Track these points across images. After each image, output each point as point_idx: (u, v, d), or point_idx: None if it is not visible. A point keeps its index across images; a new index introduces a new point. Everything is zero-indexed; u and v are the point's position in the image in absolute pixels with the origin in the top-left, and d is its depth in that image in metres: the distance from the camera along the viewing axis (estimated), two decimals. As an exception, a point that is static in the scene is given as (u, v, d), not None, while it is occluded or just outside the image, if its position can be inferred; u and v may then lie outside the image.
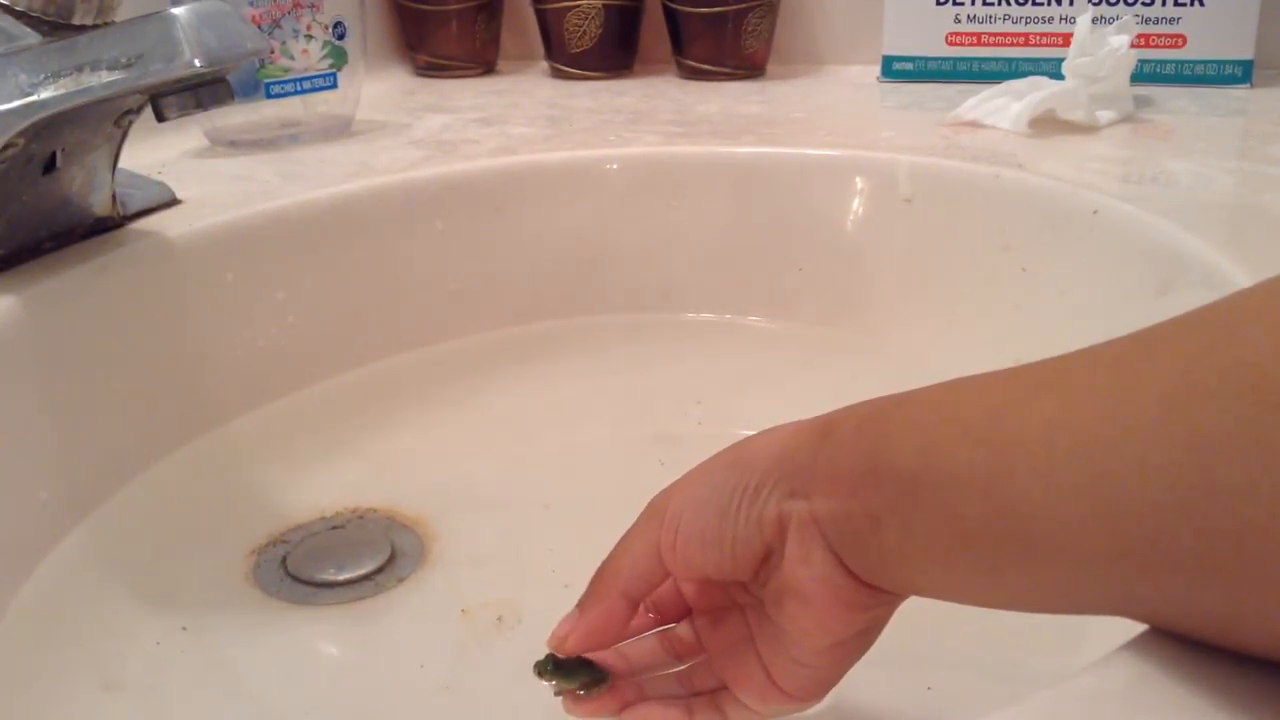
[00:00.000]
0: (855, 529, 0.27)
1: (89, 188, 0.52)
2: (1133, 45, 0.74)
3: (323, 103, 0.77)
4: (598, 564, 0.34)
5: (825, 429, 0.29)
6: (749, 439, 0.31)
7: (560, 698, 0.33)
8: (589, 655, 0.33)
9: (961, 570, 0.25)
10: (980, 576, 0.25)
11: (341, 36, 0.76)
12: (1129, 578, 0.21)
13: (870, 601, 0.28)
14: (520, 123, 0.80)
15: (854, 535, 0.27)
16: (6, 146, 0.45)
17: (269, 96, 0.74)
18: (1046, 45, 0.88)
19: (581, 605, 0.33)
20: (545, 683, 0.33)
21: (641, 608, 0.34)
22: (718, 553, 0.30)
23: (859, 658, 0.31)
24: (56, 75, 0.43)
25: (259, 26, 0.72)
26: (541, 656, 0.33)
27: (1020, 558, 0.23)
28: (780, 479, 0.29)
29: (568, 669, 0.33)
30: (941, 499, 0.25)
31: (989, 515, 0.24)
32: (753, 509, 0.29)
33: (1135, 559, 0.21)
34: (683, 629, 0.35)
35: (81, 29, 0.45)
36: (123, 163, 0.54)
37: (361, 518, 0.50)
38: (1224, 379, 0.20)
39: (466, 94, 0.96)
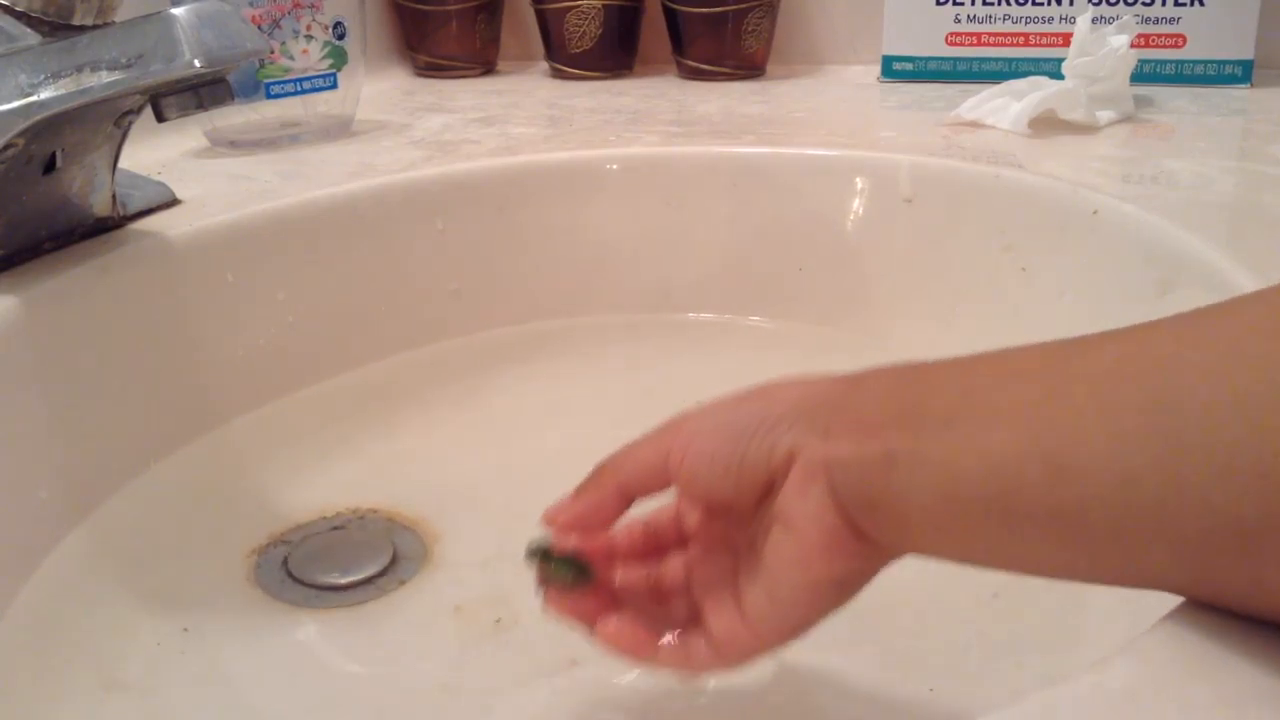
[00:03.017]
0: (864, 469, 0.27)
1: (89, 188, 0.52)
2: (1133, 45, 0.74)
3: (323, 103, 0.77)
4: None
5: (856, 379, 0.29)
6: (778, 380, 0.31)
7: (542, 591, 0.34)
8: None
9: (968, 510, 0.25)
10: (988, 521, 0.24)
11: (341, 36, 0.76)
12: (1169, 507, 0.21)
13: (855, 548, 0.28)
14: (520, 123, 0.80)
15: (860, 475, 0.27)
16: (7, 146, 0.45)
17: (269, 96, 0.74)
18: (1046, 45, 0.88)
19: (577, 491, 0.33)
20: (533, 568, 0.34)
21: (642, 531, 0.35)
22: (723, 470, 0.30)
23: (829, 612, 0.30)
24: (56, 75, 0.43)
25: (259, 26, 0.72)
26: (536, 542, 0.34)
27: (1044, 491, 0.23)
28: (801, 415, 0.29)
29: (559, 558, 0.34)
30: (971, 432, 0.25)
31: (1023, 444, 0.23)
32: (768, 438, 0.29)
33: (1194, 479, 0.21)
34: (674, 561, 0.35)
35: (81, 29, 0.45)
36: (123, 163, 0.54)
37: (362, 518, 0.50)
38: None
39: (466, 94, 0.96)
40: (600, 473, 0.33)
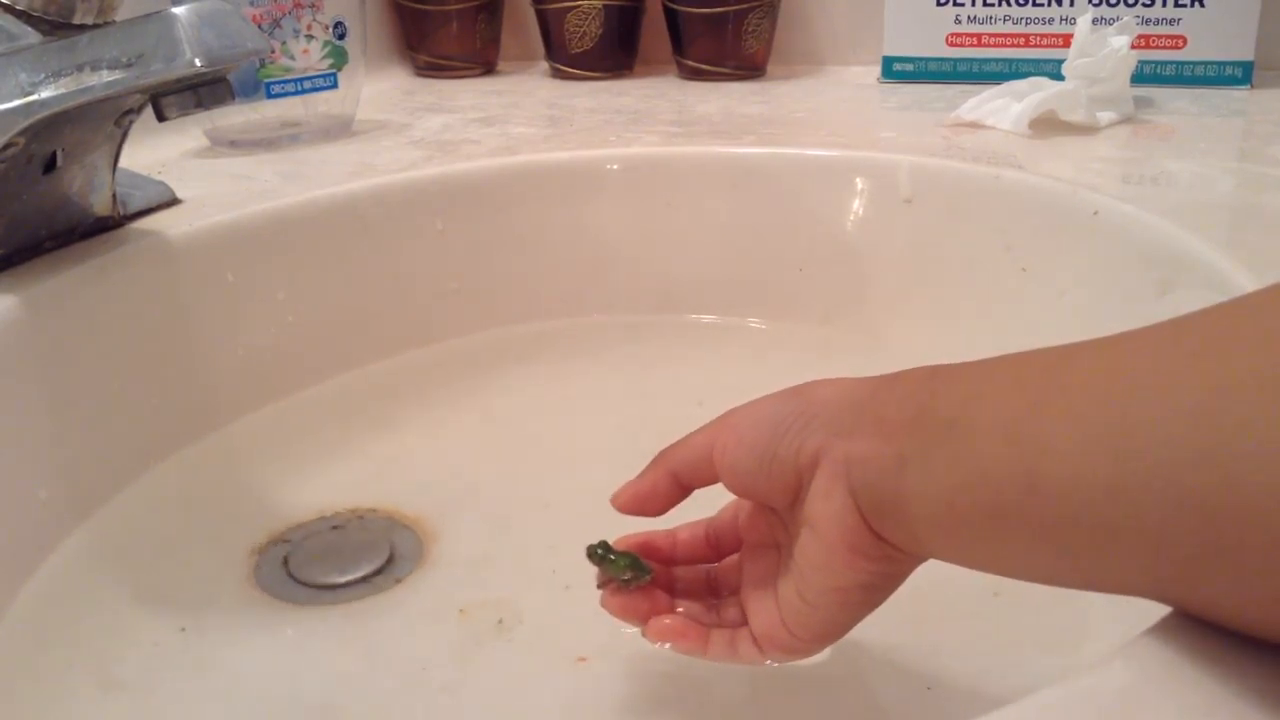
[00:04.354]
0: (880, 470, 0.28)
1: (89, 188, 0.52)
2: (1133, 46, 0.74)
3: (323, 103, 0.77)
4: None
5: (886, 380, 0.30)
6: (818, 380, 0.32)
7: (601, 591, 0.36)
8: (643, 558, 0.36)
9: (967, 519, 0.25)
10: (982, 531, 0.25)
11: (342, 36, 0.76)
12: (1127, 523, 0.22)
13: (877, 552, 0.29)
14: (520, 123, 0.80)
15: (876, 476, 0.28)
16: (7, 146, 0.45)
17: (269, 96, 0.74)
18: (1046, 46, 0.88)
19: (638, 475, 0.35)
20: (594, 567, 0.36)
21: (705, 532, 0.37)
22: (757, 465, 0.31)
23: (862, 614, 0.31)
24: (57, 75, 0.43)
25: (259, 26, 0.72)
26: (597, 543, 0.36)
27: (1023, 506, 0.24)
28: (831, 417, 0.30)
29: (617, 557, 0.35)
30: (966, 443, 0.25)
31: (1008, 460, 0.24)
32: (799, 436, 0.30)
33: (1138, 497, 0.21)
34: (730, 562, 0.37)
35: (82, 29, 0.45)
36: (123, 163, 0.54)
37: (361, 518, 0.50)
38: (1270, 335, 0.20)
39: (466, 94, 0.96)
40: (657, 459, 0.35)
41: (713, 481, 0.34)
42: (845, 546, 0.29)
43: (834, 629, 0.32)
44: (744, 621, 0.34)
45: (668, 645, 0.35)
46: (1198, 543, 0.20)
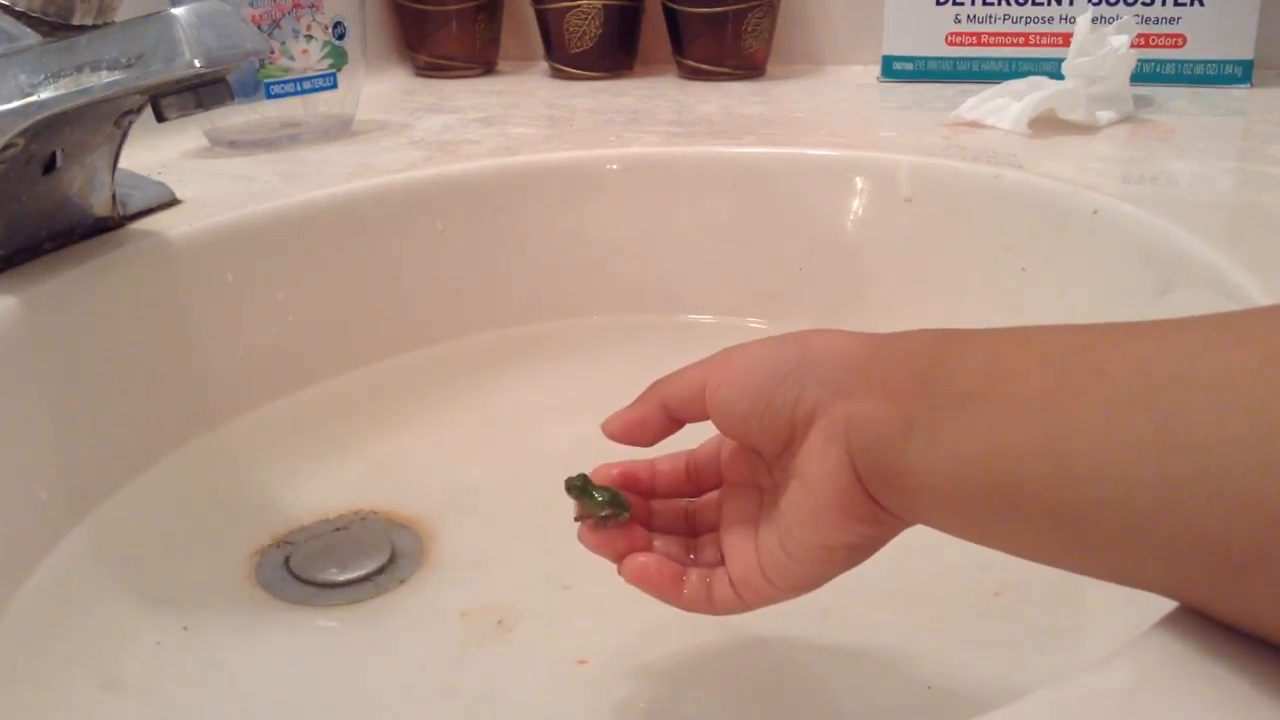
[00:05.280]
0: (883, 433, 0.27)
1: (89, 188, 0.52)
2: (1133, 45, 0.74)
3: (323, 103, 0.77)
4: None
5: (887, 340, 0.29)
6: (814, 329, 0.32)
7: (579, 524, 0.35)
8: (622, 492, 0.35)
9: (976, 493, 0.25)
10: (991, 509, 0.25)
11: (341, 36, 0.76)
12: (1168, 518, 0.21)
13: (867, 515, 0.29)
14: (520, 123, 0.80)
15: (878, 440, 0.27)
16: (7, 146, 0.45)
17: (269, 97, 0.74)
18: (1046, 45, 0.88)
19: (631, 404, 0.35)
20: (572, 500, 0.35)
21: (685, 465, 0.37)
22: (749, 408, 0.31)
23: (841, 570, 0.31)
24: (56, 75, 0.43)
25: (259, 26, 0.72)
26: (576, 476, 0.35)
27: (1044, 489, 0.23)
28: (830, 371, 0.29)
29: (596, 492, 0.35)
30: (988, 415, 0.25)
31: (1030, 437, 0.24)
32: (796, 386, 0.30)
33: (1187, 493, 0.21)
34: (709, 499, 0.36)
35: (81, 29, 0.45)
36: (123, 163, 0.54)
37: (363, 519, 0.50)
38: None
39: (466, 94, 0.96)
40: (650, 390, 0.35)
41: (704, 418, 0.33)
42: (837, 508, 0.29)
43: (813, 581, 0.32)
44: (721, 562, 0.34)
45: (642, 589, 0.34)
46: (1250, 549, 0.20)
